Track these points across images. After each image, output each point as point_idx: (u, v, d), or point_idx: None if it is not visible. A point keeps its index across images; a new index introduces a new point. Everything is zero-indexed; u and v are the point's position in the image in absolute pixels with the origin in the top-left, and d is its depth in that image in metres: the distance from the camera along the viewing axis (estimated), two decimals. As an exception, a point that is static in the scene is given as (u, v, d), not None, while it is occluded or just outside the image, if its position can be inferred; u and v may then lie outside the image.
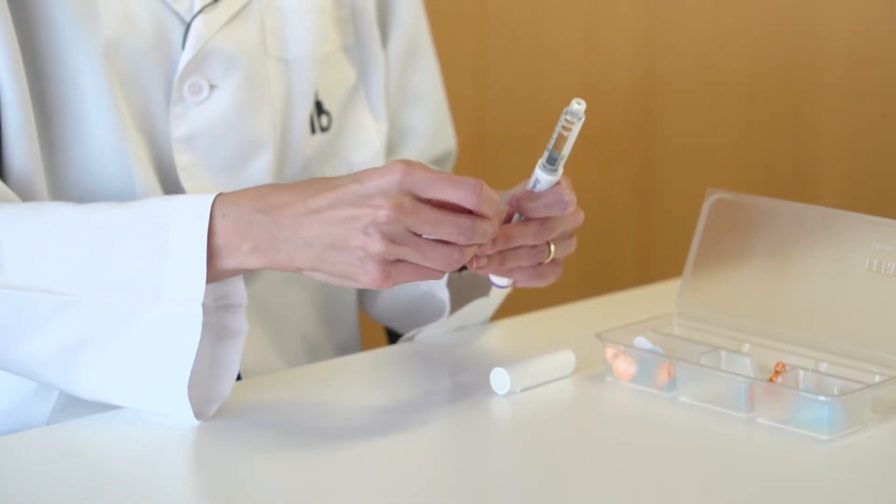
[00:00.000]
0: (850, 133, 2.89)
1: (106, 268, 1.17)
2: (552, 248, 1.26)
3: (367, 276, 1.13)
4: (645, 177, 2.78)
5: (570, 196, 1.23)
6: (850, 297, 1.25)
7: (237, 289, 1.21)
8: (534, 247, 1.24)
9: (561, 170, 1.22)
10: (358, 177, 1.14)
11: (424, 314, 1.44)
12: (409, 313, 1.48)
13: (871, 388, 1.18)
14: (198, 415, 1.19)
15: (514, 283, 1.28)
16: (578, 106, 1.19)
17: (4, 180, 1.27)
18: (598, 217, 2.73)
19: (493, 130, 2.62)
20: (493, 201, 1.15)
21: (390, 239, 1.12)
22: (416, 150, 1.57)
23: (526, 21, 2.63)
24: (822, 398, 1.15)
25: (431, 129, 1.58)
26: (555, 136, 1.20)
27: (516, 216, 1.24)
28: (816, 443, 1.15)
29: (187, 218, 1.17)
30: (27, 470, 1.12)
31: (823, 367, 1.24)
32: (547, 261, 1.26)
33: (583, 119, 1.19)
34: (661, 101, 2.77)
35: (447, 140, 1.61)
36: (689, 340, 1.30)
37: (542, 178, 1.22)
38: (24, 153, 1.27)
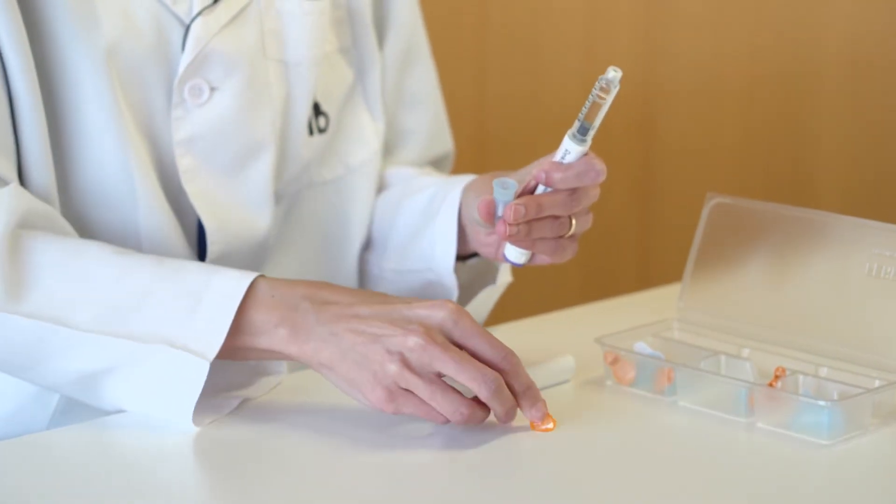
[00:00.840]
0: (849, 137, 2.89)
1: (131, 319, 1.19)
2: (573, 221, 1.26)
3: (373, 395, 1.15)
4: (645, 181, 2.78)
5: (601, 164, 1.23)
6: (850, 302, 1.25)
7: None
8: (557, 219, 1.24)
9: (590, 141, 1.21)
10: (410, 300, 1.17)
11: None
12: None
13: (871, 393, 1.18)
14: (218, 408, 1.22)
15: (531, 258, 1.27)
16: (615, 73, 1.18)
17: (24, 185, 1.28)
18: (597, 221, 2.71)
19: (493, 133, 2.62)
20: (522, 379, 1.16)
21: (408, 366, 1.13)
22: (413, 152, 1.57)
23: (526, 25, 2.63)
24: (821, 403, 1.15)
25: (429, 131, 1.58)
26: (587, 105, 1.19)
27: (541, 188, 1.23)
28: (816, 447, 1.15)
29: (225, 287, 1.19)
30: (28, 475, 1.12)
31: (823, 371, 1.24)
32: (567, 234, 1.26)
33: (618, 87, 1.18)
34: (661, 106, 2.77)
35: (445, 142, 1.61)
36: (688, 345, 1.30)
37: (572, 148, 1.21)
38: (39, 158, 1.28)
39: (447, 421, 1.15)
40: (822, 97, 2.87)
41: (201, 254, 1.38)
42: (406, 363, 1.14)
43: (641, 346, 1.29)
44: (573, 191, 1.23)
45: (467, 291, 1.44)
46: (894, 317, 1.23)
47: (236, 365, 1.24)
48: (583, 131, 1.20)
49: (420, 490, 1.09)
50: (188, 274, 1.21)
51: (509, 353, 1.16)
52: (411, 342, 1.13)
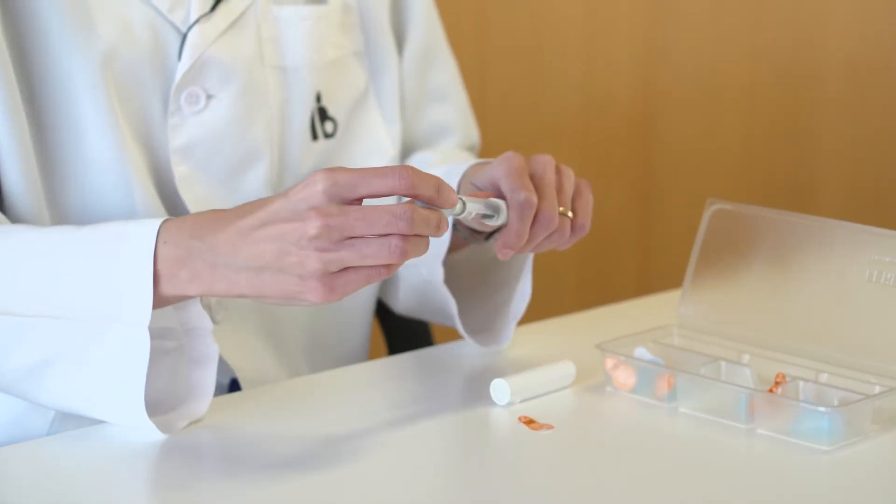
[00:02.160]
0: (849, 142, 2.89)
1: (61, 290, 1.16)
2: (569, 213, 1.27)
3: (312, 294, 1.10)
4: (645, 186, 2.78)
5: (523, 194, 1.22)
6: (850, 308, 1.25)
7: (196, 312, 1.20)
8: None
9: (501, 204, 1.22)
10: (285, 192, 1.12)
11: (434, 304, 1.43)
12: (422, 304, 1.47)
13: (871, 399, 1.18)
14: (168, 427, 1.18)
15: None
16: (460, 206, 1.18)
17: (3, 198, 1.27)
18: (597, 227, 2.72)
19: (493, 138, 2.62)
20: (428, 183, 1.11)
21: (325, 249, 1.09)
22: (451, 144, 1.57)
23: (526, 29, 2.63)
24: (822, 409, 1.15)
25: (461, 122, 1.59)
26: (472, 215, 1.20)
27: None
28: (816, 453, 1.15)
29: (135, 243, 1.15)
30: (27, 481, 1.12)
31: (823, 377, 1.24)
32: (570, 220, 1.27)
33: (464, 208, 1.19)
34: (661, 110, 2.77)
35: (474, 132, 1.62)
36: (689, 351, 1.30)
37: (495, 222, 1.23)
38: (20, 169, 1.27)
39: (392, 268, 1.11)
40: (822, 100, 2.87)
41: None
42: (322, 248, 1.09)
43: (642, 352, 1.29)
44: (535, 217, 1.23)
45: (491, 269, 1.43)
46: (894, 323, 1.23)
47: (172, 357, 1.20)
48: (490, 213, 1.22)
49: (415, 500, 1.09)
50: (102, 238, 1.17)
51: (401, 171, 1.10)
52: (312, 228, 1.09)
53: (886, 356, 1.21)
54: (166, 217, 1.17)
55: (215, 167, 1.37)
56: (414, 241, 1.11)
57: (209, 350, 1.20)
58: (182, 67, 1.33)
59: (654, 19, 2.73)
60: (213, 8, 1.34)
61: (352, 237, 1.09)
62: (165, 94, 1.34)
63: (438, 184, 1.12)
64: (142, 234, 1.15)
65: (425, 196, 1.11)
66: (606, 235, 2.75)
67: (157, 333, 1.18)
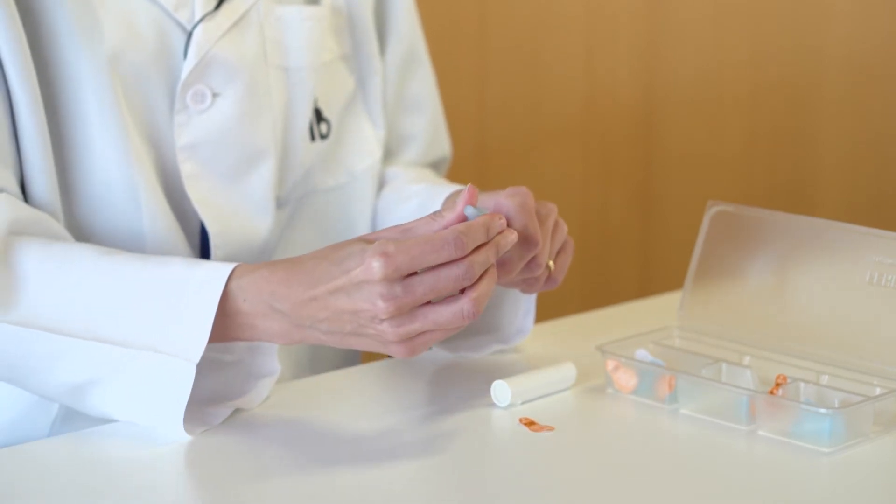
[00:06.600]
0: (850, 146, 2.90)
1: (118, 319, 1.19)
2: (551, 264, 1.27)
3: (395, 354, 1.16)
4: (646, 189, 2.78)
5: (542, 258, 1.24)
6: (851, 310, 1.25)
7: None
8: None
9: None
10: (343, 266, 1.14)
11: None
12: None
13: (872, 401, 1.18)
14: (207, 420, 1.21)
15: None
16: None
17: (27, 196, 1.28)
18: (598, 229, 2.73)
19: (493, 140, 2.62)
20: (478, 232, 1.14)
21: (399, 324, 1.13)
22: (413, 155, 1.58)
23: (526, 32, 2.63)
24: (823, 410, 1.15)
25: (429, 135, 1.59)
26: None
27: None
28: (817, 455, 1.15)
29: (203, 288, 1.18)
30: (29, 481, 1.12)
31: (824, 379, 1.24)
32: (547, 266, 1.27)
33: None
34: (662, 113, 2.77)
35: (443, 146, 1.62)
36: (690, 353, 1.30)
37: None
38: (41, 167, 1.28)
39: (463, 326, 1.15)
40: (823, 105, 2.87)
41: (204, 258, 1.38)
42: (396, 322, 1.13)
43: (643, 354, 1.29)
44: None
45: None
46: (895, 325, 1.23)
47: (231, 370, 1.23)
48: None
49: (417, 496, 1.09)
50: (169, 273, 1.20)
51: (455, 241, 1.13)
52: (383, 313, 1.13)
53: (887, 358, 1.21)
54: (231, 268, 1.19)
55: (220, 165, 1.37)
56: (483, 285, 1.15)
57: (272, 367, 1.24)
58: (188, 65, 1.33)
59: (655, 22, 2.73)
60: (218, 6, 1.35)
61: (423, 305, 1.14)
62: (171, 92, 1.34)
63: (487, 224, 1.15)
64: (210, 281, 1.18)
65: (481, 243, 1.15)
66: (608, 237, 2.75)
67: (217, 347, 1.21)
